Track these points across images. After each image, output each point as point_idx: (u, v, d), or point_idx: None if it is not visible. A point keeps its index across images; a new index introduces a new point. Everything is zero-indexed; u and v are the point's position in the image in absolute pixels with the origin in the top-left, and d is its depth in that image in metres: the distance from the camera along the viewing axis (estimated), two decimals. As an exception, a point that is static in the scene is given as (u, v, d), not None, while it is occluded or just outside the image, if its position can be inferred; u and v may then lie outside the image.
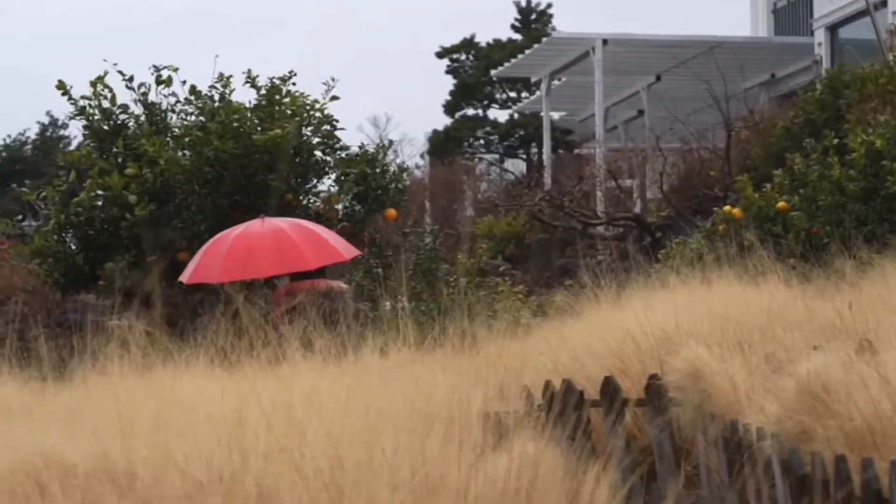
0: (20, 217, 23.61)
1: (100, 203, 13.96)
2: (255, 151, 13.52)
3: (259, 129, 13.78)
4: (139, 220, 13.37)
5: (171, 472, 4.56)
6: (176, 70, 14.41)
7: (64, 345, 7.82)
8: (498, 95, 49.02)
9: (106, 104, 14.45)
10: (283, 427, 4.79)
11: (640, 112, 31.57)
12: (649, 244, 18.69)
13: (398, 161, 17.37)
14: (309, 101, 14.32)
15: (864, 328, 7.14)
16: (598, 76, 29.11)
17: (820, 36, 28.34)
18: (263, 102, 14.29)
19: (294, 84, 14.41)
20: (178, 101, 14.51)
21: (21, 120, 73.07)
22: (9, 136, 50.10)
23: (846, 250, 9.91)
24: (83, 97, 14.41)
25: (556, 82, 33.06)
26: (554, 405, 6.50)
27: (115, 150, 14.18)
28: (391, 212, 14.35)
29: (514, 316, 10.92)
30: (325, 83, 14.43)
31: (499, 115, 49.06)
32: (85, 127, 14.68)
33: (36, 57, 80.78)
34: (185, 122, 14.43)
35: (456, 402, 5.46)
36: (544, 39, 31.91)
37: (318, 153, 14.43)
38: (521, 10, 49.93)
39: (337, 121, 14.46)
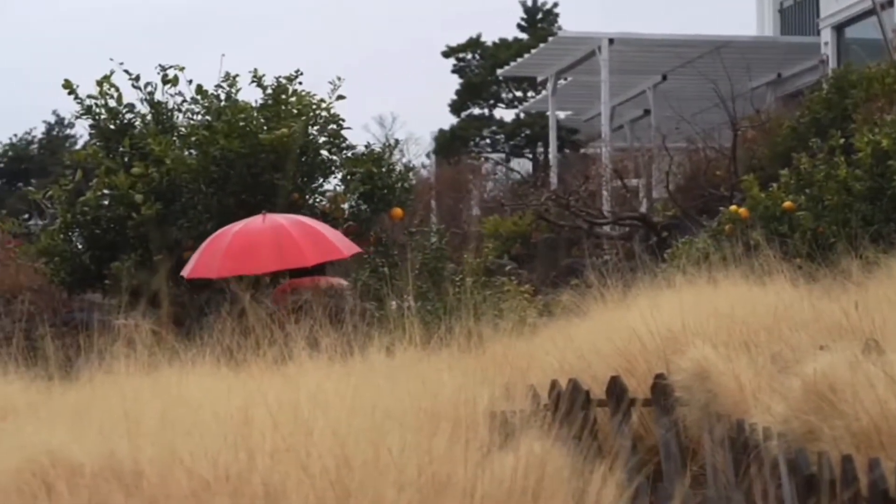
0: (26, 216, 23.64)
1: (106, 202, 13.97)
2: (261, 151, 13.53)
3: (265, 128, 13.79)
4: (145, 220, 13.38)
5: (177, 471, 4.56)
6: (182, 69, 14.43)
7: (70, 344, 7.84)
8: (504, 95, 49.02)
9: (112, 103, 14.46)
10: (289, 426, 4.79)
11: (647, 111, 31.55)
12: (655, 244, 18.69)
13: (404, 160, 17.34)
14: (315, 101, 14.33)
15: (871, 328, 7.14)
16: (605, 75, 29.09)
17: (826, 35, 28.33)
18: (270, 102, 14.30)
19: (300, 83, 14.44)
20: (184, 101, 14.53)
21: (27, 119, 73.25)
22: (15, 135, 50.15)
23: (852, 250, 9.90)
24: (89, 96, 14.43)
25: (562, 82, 33.04)
26: (560, 405, 6.50)
27: (121, 149, 14.19)
28: (397, 211, 14.36)
29: (521, 315, 10.93)
30: (331, 82, 14.46)
31: (505, 114, 49.09)
32: (91, 126, 14.70)
33: (41, 56, 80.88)
34: (192, 122, 14.44)
35: (462, 402, 5.47)
36: (550, 39, 31.86)
37: (324, 152, 14.44)
38: (526, 10, 49.93)
39: (343, 120, 14.48)
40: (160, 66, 14.40)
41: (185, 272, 11.07)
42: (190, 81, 14.46)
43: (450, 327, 7.65)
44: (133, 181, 13.66)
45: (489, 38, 49.29)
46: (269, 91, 14.37)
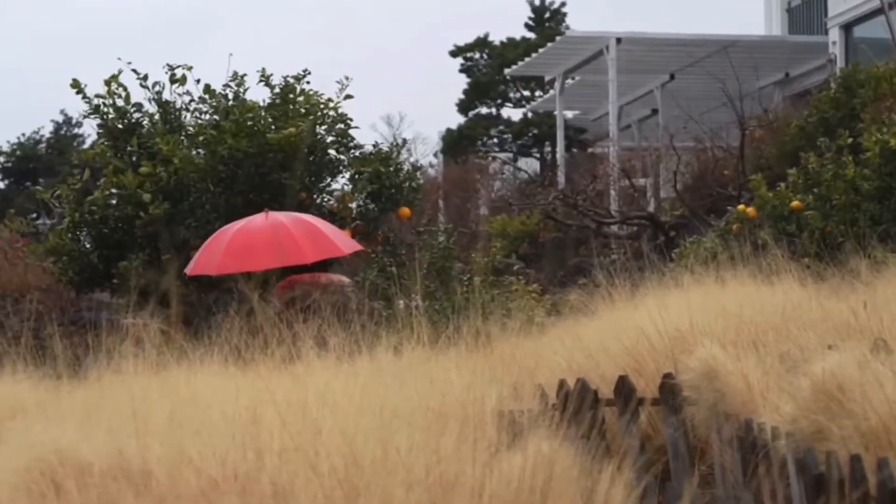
0: (34, 215, 23.66)
1: (114, 201, 13.98)
2: (269, 150, 13.54)
3: (273, 127, 13.79)
4: (153, 219, 13.39)
5: (186, 471, 4.56)
6: (190, 69, 14.44)
7: (78, 343, 7.84)
8: (511, 94, 49.03)
9: (120, 103, 14.47)
10: (297, 425, 4.79)
11: (654, 111, 31.55)
12: (663, 243, 18.68)
13: (412, 160, 17.36)
14: (323, 100, 14.33)
15: (879, 327, 7.13)
16: (612, 75, 29.09)
17: (834, 35, 28.31)
18: (277, 101, 14.31)
19: (308, 83, 14.45)
20: (192, 100, 14.54)
21: (35, 118, 73.34)
22: (23, 134, 50.24)
23: (861, 249, 9.89)
24: (97, 96, 14.44)
25: (569, 81, 33.04)
26: (568, 404, 6.50)
27: (129, 148, 14.20)
28: (405, 210, 14.36)
29: (529, 315, 10.93)
30: (338, 82, 14.46)
31: (512, 113, 49.11)
32: (99, 125, 14.71)
33: (48, 55, 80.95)
34: (200, 121, 14.45)
35: (470, 401, 5.46)
36: (558, 38, 31.88)
37: (331, 152, 14.44)
38: (534, 9, 49.93)
39: (351, 119, 14.48)
40: (168, 65, 14.42)
41: (187, 270, 11.13)
42: (198, 81, 14.47)
43: (458, 327, 7.64)
44: (141, 180, 13.67)
45: (497, 38, 49.36)
46: (277, 90, 14.37)
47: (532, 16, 49.91)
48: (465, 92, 49.06)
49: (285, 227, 10.64)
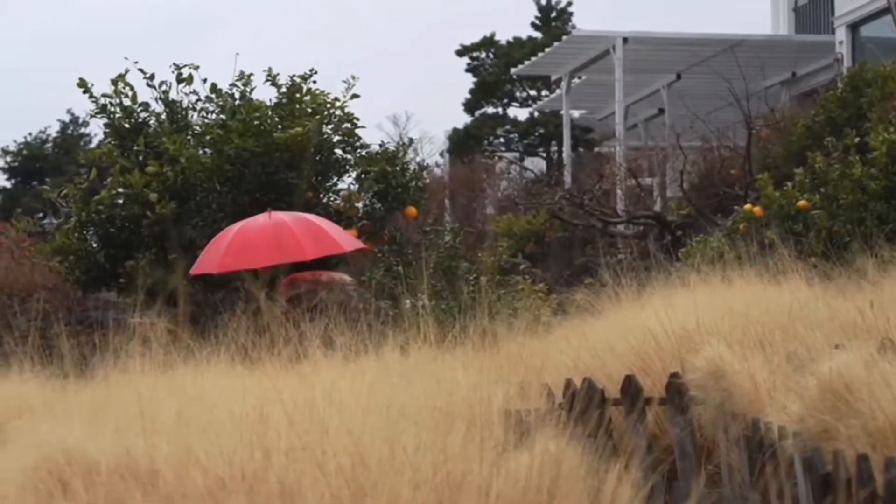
0: (41, 215, 23.72)
1: (121, 201, 14.00)
2: (275, 149, 13.54)
3: (280, 127, 13.80)
4: (160, 218, 13.40)
5: (193, 470, 4.57)
6: (197, 68, 14.45)
7: (85, 342, 7.84)
8: (518, 94, 49.02)
9: (127, 102, 14.49)
10: (304, 424, 4.79)
11: (661, 110, 31.51)
12: (670, 242, 18.66)
13: (418, 159, 17.37)
14: (329, 100, 14.34)
15: (886, 327, 7.13)
16: (619, 74, 29.06)
17: (841, 34, 28.27)
18: (284, 100, 14.32)
19: (315, 82, 14.45)
20: (198, 100, 14.55)
21: (42, 118, 73.45)
22: (30, 133, 50.27)
23: (867, 249, 9.89)
24: (104, 95, 14.45)
25: (576, 80, 33.02)
26: (575, 404, 6.50)
27: (136, 148, 14.21)
28: (411, 210, 14.37)
29: (535, 314, 10.93)
30: (345, 81, 14.46)
31: (519, 113, 49.11)
32: (106, 125, 14.72)
33: (55, 55, 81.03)
34: (206, 120, 14.46)
35: (477, 400, 5.46)
36: (564, 38, 31.85)
37: (338, 151, 14.45)
38: (541, 9, 49.92)
39: (357, 119, 14.49)
40: (174, 64, 14.43)
41: (192, 270, 11.20)
42: (204, 80, 14.49)
43: (464, 326, 7.64)
44: (148, 180, 13.68)
45: (503, 37, 49.36)
46: (284, 90, 14.38)
47: (538, 15, 49.91)
48: (472, 91, 49.07)
49: (287, 225, 10.72)
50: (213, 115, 14.43)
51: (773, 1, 33.07)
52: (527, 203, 27.07)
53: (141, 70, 14.36)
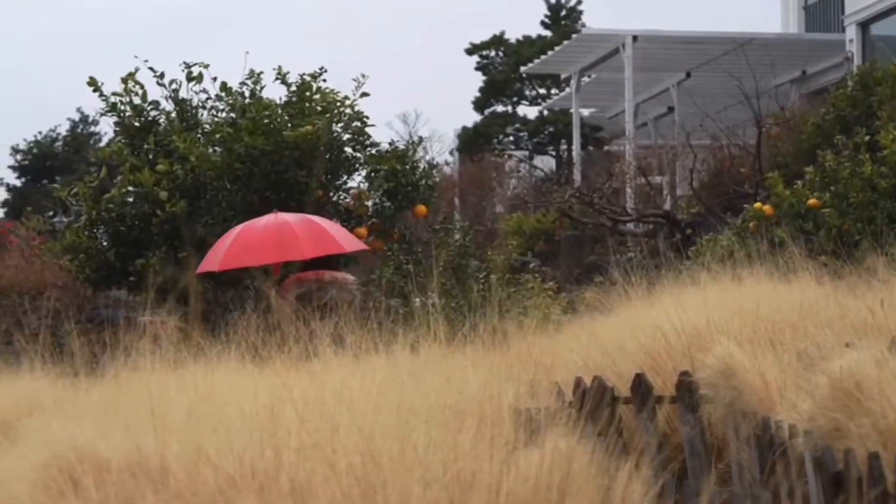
0: (51, 213, 23.75)
1: (131, 199, 14.01)
2: (285, 148, 13.55)
3: (289, 125, 13.81)
4: (170, 217, 13.42)
5: (203, 468, 4.57)
6: (207, 66, 14.46)
7: (96, 341, 7.86)
8: (527, 92, 49.00)
9: (137, 101, 14.50)
10: (315, 423, 4.80)
11: (670, 109, 31.50)
12: (679, 241, 18.65)
13: (428, 158, 17.37)
14: (339, 98, 14.34)
15: (897, 325, 7.12)
16: (628, 73, 29.05)
17: (851, 32, 28.23)
18: (294, 99, 14.32)
19: (325, 81, 14.46)
20: (208, 98, 14.56)
21: (52, 116, 73.54)
22: (39, 132, 50.33)
23: (878, 247, 9.88)
24: (114, 94, 14.47)
25: (585, 79, 33.01)
26: (585, 402, 6.50)
27: (146, 146, 14.23)
28: (421, 208, 14.37)
29: (545, 313, 10.93)
30: (355, 79, 14.47)
31: (528, 111, 49.09)
32: (116, 123, 14.74)
33: (64, 53, 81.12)
34: (216, 119, 14.47)
35: (487, 399, 5.47)
36: (574, 36, 31.82)
37: (348, 149, 14.45)
38: (550, 7, 49.90)
39: (367, 117, 14.49)
40: (185, 63, 14.45)
41: (198, 269, 11.31)
42: (214, 79, 14.50)
43: (474, 324, 7.65)
44: (158, 178, 13.69)
45: (513, 36, 49.34)
46: (294, 88, 14.39)
47: (548, 14, 49.89)
48: (481, 90, 49.05)
49: (289, 224, 10.84)
50: (223, 114, 14.45)
51: (784, -1, 33.05)
52: (536, 201, 27.07)
53: (151, 68, 14.38)
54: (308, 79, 14.40)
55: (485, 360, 6.92)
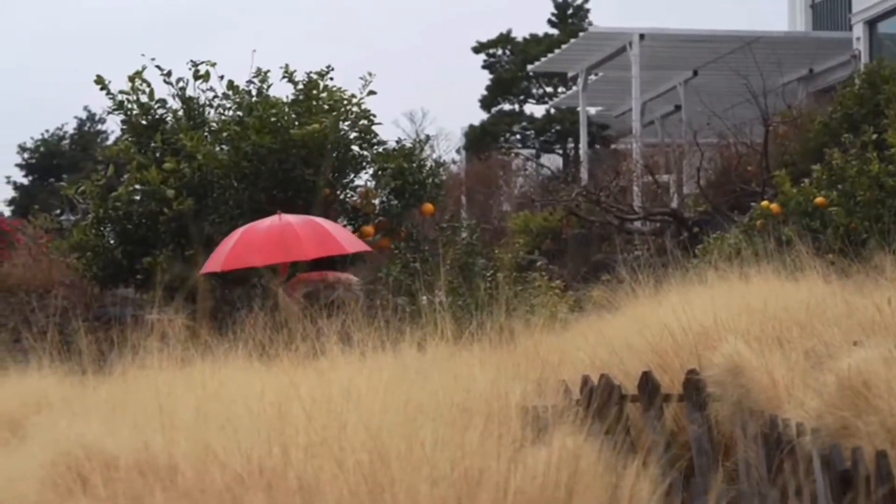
0: (58, 211, 23.76)
1: (138, 197, 14.03)
2: (292, 146, 13.56)
3: (296, 123, 13.81)
4: (177, 215, 13.43)
5: (211, 466, 4.57)
6: (213, 65, 14.48)
7: (103, 338, 7.87)
8: (534, 90, 48.96)
9: (144, 99, 14.51)
10: (322, 420, 4.80)
11: (677, 107, 31.44)
12: (687, 239, 18.64)
13: (435, 156, 17.37)
14: (346, 96, 14.35)
15: (904, 324, 7.10)
16: (635, 71, 29.01)
17: (858, 31, 28.19)
18: (301, 97, 14.33)
19: (331, 79, 14.47)
20: (215, 96, 14.57)
21: (58, 115, 73.67)
22: (46, 130, 50.35)
23: (885, 245, 9.86)
24: (121, 92, 14.49)
25: (592, 77, 32.97)
26: (592, 400, 6.50)
27: (153, 144, 14.25)
28: (428, 206, 14.38)
29: (552, 311, 10.93)
30: (362, 78, 14.47)
31: (535, 110, 49.03)
32: (123, 122, 14.76)
33: (71, 52, 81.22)
34: (223, 117, 14.48)
35: (494, 397, 5.47)
36: (581, 34, 31.79)
37: (355, 148, 14.46)
38: (557, 6, 49.86)
39: (374, 115, 14.50)
40: (192, 61, 14.47)
41: (203, 269, 11.37)
42: (221, 77, 14.51)
43: (481, 322, 7.65)
44: (165, 176, 13.71)
45: (519, 34, 49.30)
46: (301, 87, 14.40)
47: (555, 12, 49.85)
48: (488, 88, 49.02)
49: (291, 225, 10.93)
50: (231, 112, 14.46)
51: (791, -3, 33.01)
52: (543, 200, 27.04)
53: (158, 67, 14.41)
54: (315, 77, 14.41)
55: (492, 358, 6.93)
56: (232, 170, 13.65)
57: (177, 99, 14.60)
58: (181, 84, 14.49)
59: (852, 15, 28.61)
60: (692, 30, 30.06)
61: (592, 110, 36.60)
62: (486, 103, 49.03)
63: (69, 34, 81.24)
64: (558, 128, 46.72)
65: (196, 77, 14.47)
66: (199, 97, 14.57)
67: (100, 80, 14.38)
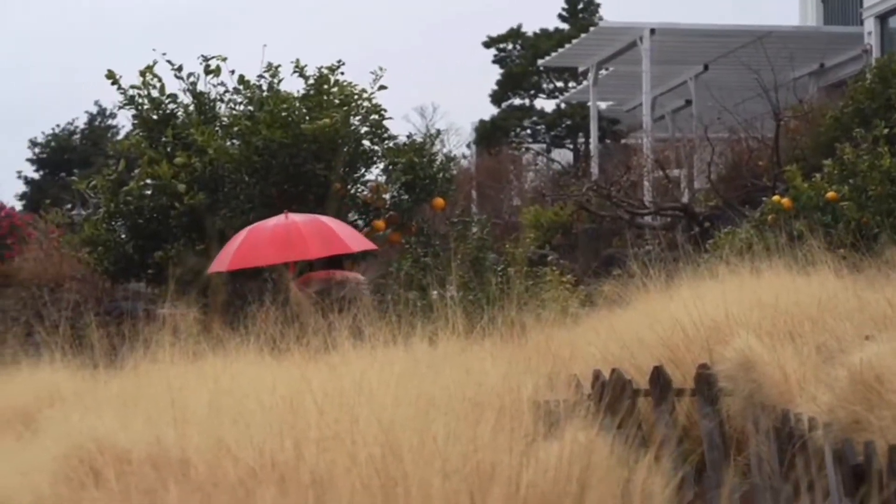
0: (70, 206, 23.78)
1: (149, 192, 14.05)
2: (303, 141, 13.57)
3: (307, 118, 13.82)
4: (188, 209, 13.44)
5: (224, 460, 4.58)
6: (224, 60, 14.49)
7: (115, 332, 7.88)
8: (545, 85, 48.90)
9: (155, 93, 14.53)
10: (334, 414, 4.80)
11: (688, 102, 31.40)
12: (698, 234, 18.61)
13: (445, 151, 17.38)
14: (357, 91, 14.35)
15: (917, 318, 7.10)
16: (646, 66, 28.97)
17: (870, 25, 28.14)
18: (312, 92, 14.33)
19: (342, 73, 14.48)
20: (226, 91, 14.59)
21: (69, 109, 73.63)
22: (57, 125, 50.39)
23: (897, 240, 9.84)
24: (132, 86, 14.51)
25: (603, 72, 32.93)
26: (604, 395, 6.50)
27: (164, 139, 14.26)
28: (439, 201, 14.38)
29: (563, 305, 10.92)
30: (372, 72, 14.48)
31: (546, 104, 48.95)
32: (134, 116, 14.78)
33: (82, 47, 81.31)
34: (234, 112, 14.50)
35: (506, 391, 5.47)
36: (591, 29, 31.75)
37: (365, 142, 14.47)
38: (567, 0, 49.80)
39: (385, 110, 14.50)
40: (202, 56, 14.48)
41: (210, 268, 11.41)
42: (232, 72, 14.53)
43: (492, 317, 7.65)
44: (176, 171, 13.73)
45: (530, 29, 49.22)
46: (312, 81, 14.40)
47: (565, 6, 49.76)
48: (499, 83, 48.97)
49: (296, 225, 10.97)
50: (241, 107, 14.48)
51: (802, -8, 32.95)
52: (554, 194, 27.01)
53: (169, 62, 14.42)
54: (326, 72, 14.41)
55: (503, 352, 6.93)
56: (243, 164, 13.67)
57: (188, 94, 14.63)
58: (192, 79, 14.52)
59: (863, 9, 28.56)
60: (703, 24, 30.02)
61: (603, 105, 36.59)
62: (496, 98, 48.98)
63: (60, 33, 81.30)
64: (569, 122, 46.65)
65: (207, 72, 14.49)
66: (209, 92, 14.59)
67: (111, 75, 14.41)
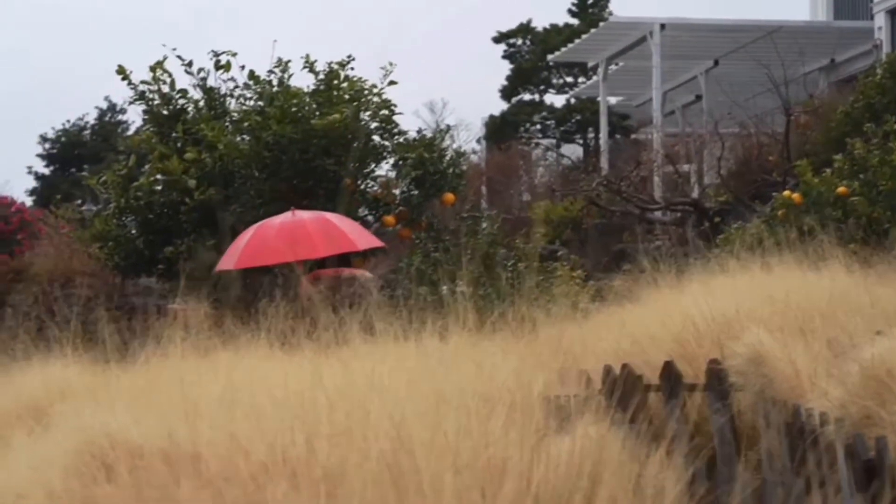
0: (80, 201, 23.82)
1: (159, 187, 14.06)
2: (313, 136, 13.56)
3: (317, 113, 13.82)
4: (199, 205, 13.45)
5: (235, 455, 4.59)
6: (234, 55, 14.50)
7: (126, 328, 7.90)
8: (555, 80, 48.84)
9: (165, 89, 14.54)
10: (345, 409, 4.81)
11: (698, 97, 31.38)
12: (708, 229, 18.62)
13: (455, 146, 17.35)
14: (367, 86, 14.34)
15: (928, 313, 7.09)
16: (656, 61, 28.95)
17: (880, 20, 28.09)
18: (322, 87, 14.33)
19: (352, 69, 14.47)
20: (236, 86, 14.59)
21: (80, 105, 73.58)
22: (68, 120, 50.40)
23: (908, 235, 9.83)
24: (143, 82, 14.51)
25: (613, 67, 32.91)
26: (615, 390, 6.50)
27: (174, 134, 14.27)
28: (449, 196, 14.37)
29: (573, 301, 10.91)
30: (382, 68, 14.47)
31: (555, 100, 48.88)
32: (144, 112, 14.79)
33: (92, 41, 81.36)
34: (244, 107, 14.50)
35: (517, 386, 5.48)
36: (601, 24, 31.74)
37: (375, 138, 14.46)
38: (577, -5, 49.73)
39: (395, 105, 14.49)
40: (213, 51, 14.49)
41: (216, 267, 11.44)
42: (242, 67, 14.53)
43: (503, 312, 7.65)
44: (186, 166, 13.74)
45: (540, 24, 49.15)
46: (321, 77, 14.40)
47: (575, 1, 49.68)
48: (508, 78, 48.91)
49: (303, 223, 10.96)
50: (251, 102, 14.48)
51: (812, -13, 32.90)
52: (564, 190, 27.01)
53: (179, 57, 14.43)
54: (336, 67, 14.41)
55: (514, 347, 6.94)
56: (253, 160, 13.67)
57: (198, 89, 14.63)
58: (202, 74, 14.52)
59: (874, 4, 28.51)
60: (713, 19, 29.99)
61: (613, 100, 36.54)
62: (506, 93, 48.93)
63: (59, 31, 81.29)
64: (579, 118, 46.60)
65: (217, 67, 14.50)
66: (220, 87, 14.60)
67: (121, 71, 14.42)
